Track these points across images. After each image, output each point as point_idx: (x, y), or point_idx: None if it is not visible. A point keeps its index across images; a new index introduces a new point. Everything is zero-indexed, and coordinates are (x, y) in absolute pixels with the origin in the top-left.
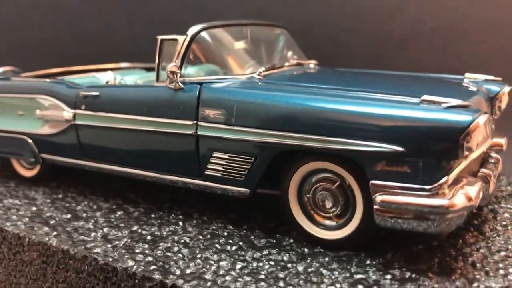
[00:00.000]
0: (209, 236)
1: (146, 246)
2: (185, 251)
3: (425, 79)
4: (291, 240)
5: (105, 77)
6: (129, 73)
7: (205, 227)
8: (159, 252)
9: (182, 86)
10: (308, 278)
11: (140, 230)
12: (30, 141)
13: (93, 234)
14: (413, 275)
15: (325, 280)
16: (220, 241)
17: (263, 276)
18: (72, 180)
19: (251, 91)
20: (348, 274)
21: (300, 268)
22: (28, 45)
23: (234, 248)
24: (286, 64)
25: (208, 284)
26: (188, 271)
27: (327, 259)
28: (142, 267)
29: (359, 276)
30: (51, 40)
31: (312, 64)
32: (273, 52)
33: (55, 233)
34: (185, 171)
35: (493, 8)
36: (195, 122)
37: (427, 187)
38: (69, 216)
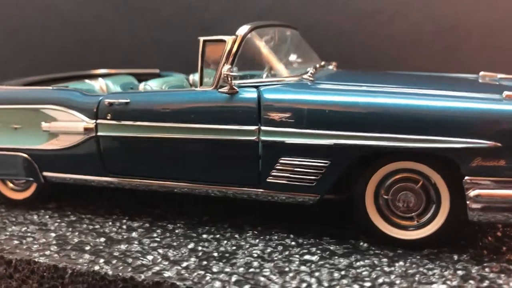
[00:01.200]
0: (280, 248)
1: (221, 264)
2: (268, 265)
3: (453, 78)
4: (366, 244)
5: (97, 84)
6: (116, 80)
7: (268, 238)
8: (241, 269)
9: (237, 89)
10: (417, 279)
11: (200, 248)
12: (28, 158)
13: (149, 257)
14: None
15: (433, 279)
16: (295, 251)
17: (370, 284)
18: (70, 199)
19: (322, 93)
20: (451, 271)
21: (400, 271)
22: (30, 48)
23: (316, 257)
24: (317, 65)
25: None
26: (289, 285)
27: (418, 257)
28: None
29: (461, 272)
30: (52, 43)
31: (332, 65)
32: (299, 53)
33: (102, 260)
34: (241, 180)
35: (494, 10)
36: (257, 127)
37: None
38: (103, 239)
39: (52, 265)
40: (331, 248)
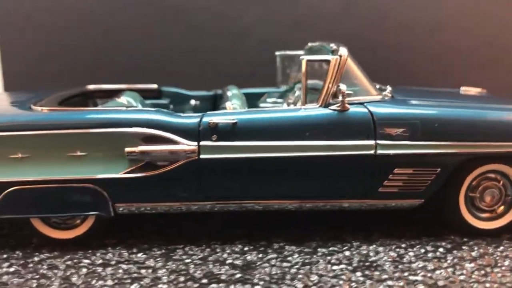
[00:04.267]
0: (363, 258)
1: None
2: (375, 274)
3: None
4: (465, 239)
5: (123, 101)
6: (131, 96)
7: (335, 251)
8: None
9: (349, 106)
10: (481, 260)
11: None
12: (98, 189)
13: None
14: None
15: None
16: (392, 259)
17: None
18: (111, 232)
19: (425, 108)
20: None
21: (476, 254)
22: (62, 53)
23: (419, 264)
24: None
25: None
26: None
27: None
28: None
29: None
30: (85, 49)
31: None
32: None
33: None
34: (352, 192)
35: None
36: (374, 141)
37: None
38: (236, 271)
39: None
40: (427, 248)
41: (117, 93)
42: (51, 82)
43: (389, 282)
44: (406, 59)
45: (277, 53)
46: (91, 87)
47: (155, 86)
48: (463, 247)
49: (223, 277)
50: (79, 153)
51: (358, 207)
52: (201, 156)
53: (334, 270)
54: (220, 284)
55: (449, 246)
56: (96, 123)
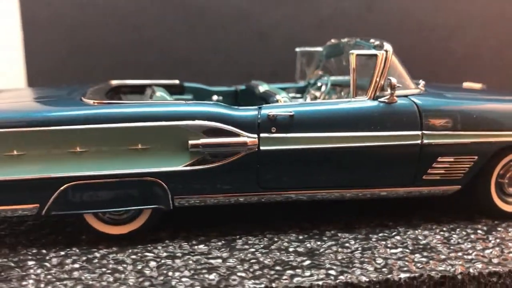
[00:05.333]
0: (415, 242)
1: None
2: (433, 255)
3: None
4: (496, 222)
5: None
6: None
7: (386, 237)
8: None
9: (396, 99)
10: None
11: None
12: (160, 182)
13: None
14: None
15: None
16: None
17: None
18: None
19: (467, 100)
20: None
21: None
22: (88, 49)
23: (467, 245)
24: None
25: None
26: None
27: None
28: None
29: None
30: (110, 45)
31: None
32: None
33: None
34: (401, 180)
35: None
36: (421, 132)
37: None
38: (304, 257)
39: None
40: (468, 230)
41: (140, 88)
42: (73, 78)
43: (449, 261)
44: (426, 59)
45: (297, 49)
46: (114, 82)
47: (177, 81)
48: (498, 229)
49: (294, 263)
50: (140, 146)
51: (403, 195)
52: (261, 148)
53: (395, 253)
54: (297, 270)
55: (485, 228)
56: (159, 116)
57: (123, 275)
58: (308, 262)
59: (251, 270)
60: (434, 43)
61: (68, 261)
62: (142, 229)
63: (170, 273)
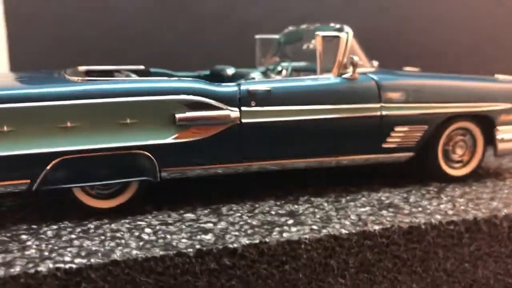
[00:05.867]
0: (380, 201)
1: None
2: (399, 210)
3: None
4: (443, 184)
5: None
6: None
7: (354, 199)
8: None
9: (358, 76)
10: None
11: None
12: (148, 155)
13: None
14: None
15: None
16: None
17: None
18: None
19: (416, 77)
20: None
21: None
22: (72, 42)
23: (424, 202)
24: None
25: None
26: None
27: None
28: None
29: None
30: (95, 38)
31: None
32: None
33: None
34: (365, 149)
35: None
36: (380, 104)
37: None
38: (287, 217)
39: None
40: (420, 192)
41: (107, 73)
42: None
43: (413, 215)
44: (402, 52)
45: (257, 36)
46: (82, 67)
47: (142, 67)
48: (447, 189)
49: (279, 223)
50: (129, 121)
51: (365, 162)
52: (243, 121)
53: (365, 211)
54: (284, 227)
55: (436, 189)
56: (147, 91)
57: (123, 241)
58: (291, 221)
59: (242, 230)
60: (411, 36)
61: (64, 232)
62: (129, 202)
63: (168, 236)
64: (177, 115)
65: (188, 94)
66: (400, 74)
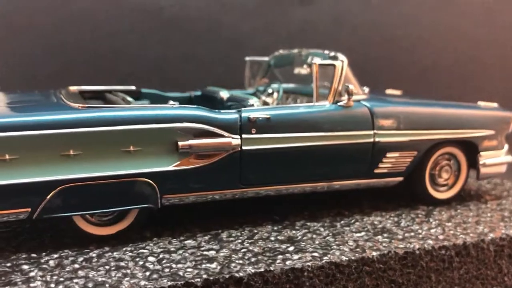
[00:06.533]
0: (373, 226)
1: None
2: (392, 235)
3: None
4: (430, 207)
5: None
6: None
7: (348, 223)
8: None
9: (353, 103)
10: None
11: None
12: (150, 182)
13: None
14: None
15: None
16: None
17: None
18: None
19: (406, 104)
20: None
21: (446, 217)
22: (61, 54)
23: (415, 226)
24: None
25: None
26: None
27: (450, 211)
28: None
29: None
30: (83, 52)
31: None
32: None
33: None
34: (358, 174)
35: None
36: (373, 131)
37: (504, 150)
38: (288, 244)
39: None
40: (410, 215)
41: (99, 94)
42: (45, 84)
43: (407, 240)
44: (390, 70)
45: (247, 58)
46: (72, 88)
47: (133, 87)
48: (434, 212)
49: (280, 249)
50: (132, 148)
51: (357, 186)
52: (243, 148)
53: (361, 236)
54: (286, 255)
55: (424, 212)
56: (151, 119)
57: (128, 271)
58: (292, 248)
59: (246, 257)
60: (397, 54)
61: (66, 262)
62: (129, 229)
63: (173, 265)
64: (180, 143)
65: (191, 122)
66: (391, 101)
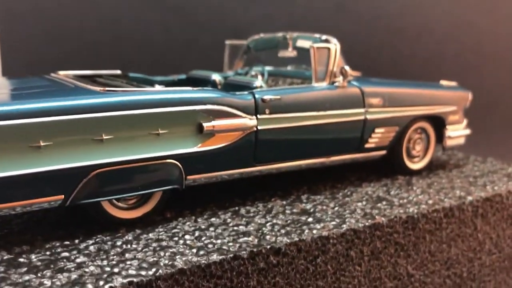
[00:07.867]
0: (373, 195)
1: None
2: (383, 204)
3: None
4: (407, 176)
5: None
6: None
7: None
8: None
9: (346, 84)
10: (432, 187)
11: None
12: (177, 164)
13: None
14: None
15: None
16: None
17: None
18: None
19: (388, 84)
20: (442, 180)
21: (425, 184)
22: (65, 40)
23: (399, 193)
24: None
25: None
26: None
27: (425, 179)
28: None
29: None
30: (87, 38)
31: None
32: None
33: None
34: (350, 149)
35: None
36: (364, 109)
37: (464, 124)
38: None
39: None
40: (386, 189)
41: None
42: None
43: (403, 206)
44: (393, 58)
45: (227, 42)
46: (62, 73)
47: (118, 72)
48: (413, 181)
49: (302, 221)
50: (160, 131)
51: (348, 161)
52: (259, 128)
53: (365, 205)
54: (310, 225)
55: (404, 182)
56: (178, 102)
57: (174, 249)
58: (311, 219)
59: (275, 230)
60: (401, 43)
61: (106, 246)
62: (153, 211)
63: (214, 241)
64: (205, 124)
65: (213, 104)
66: (374, 82)
